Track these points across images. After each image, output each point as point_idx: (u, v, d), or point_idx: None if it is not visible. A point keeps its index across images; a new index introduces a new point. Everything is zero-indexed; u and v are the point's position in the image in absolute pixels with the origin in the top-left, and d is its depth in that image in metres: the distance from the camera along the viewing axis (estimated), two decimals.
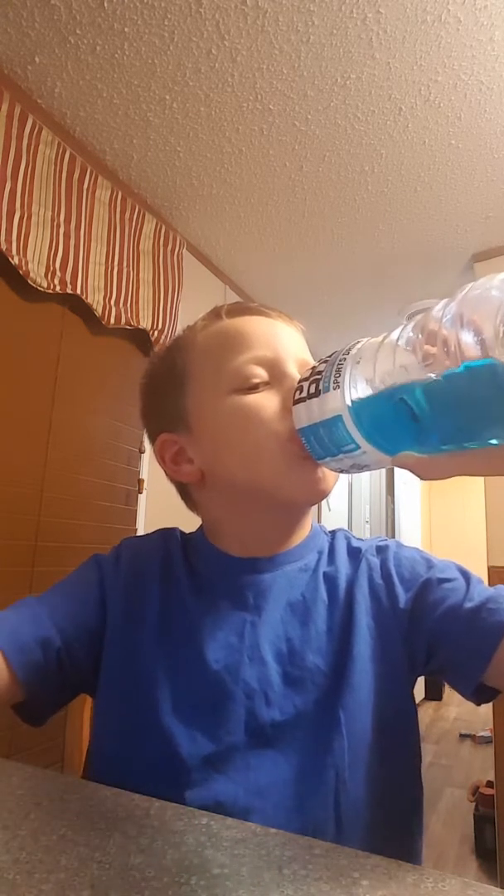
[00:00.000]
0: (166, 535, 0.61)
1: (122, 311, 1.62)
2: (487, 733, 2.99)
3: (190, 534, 0.61)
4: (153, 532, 0.62)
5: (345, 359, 0.41)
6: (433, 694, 4.01)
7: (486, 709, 3.42)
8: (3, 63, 1.32)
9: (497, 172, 1.67)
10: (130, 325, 1.66)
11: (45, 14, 1.19)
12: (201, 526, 0.60)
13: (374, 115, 1.47)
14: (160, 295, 1.79)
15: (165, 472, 0.57)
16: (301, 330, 0.57)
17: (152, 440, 0.58)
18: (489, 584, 0.51)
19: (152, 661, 0.50)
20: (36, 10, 1.18)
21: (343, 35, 1.24)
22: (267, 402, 0.49)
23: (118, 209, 1.66)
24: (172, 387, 0.55)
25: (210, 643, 0.50)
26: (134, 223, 1.72)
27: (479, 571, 0.55)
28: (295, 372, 0.50)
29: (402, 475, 4.23)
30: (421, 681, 3.96)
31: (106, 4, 1.17)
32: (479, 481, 2.07)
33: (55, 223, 1.42)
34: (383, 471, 4.10)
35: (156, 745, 0.47)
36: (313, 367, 0.45)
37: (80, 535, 1.51)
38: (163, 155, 1.62)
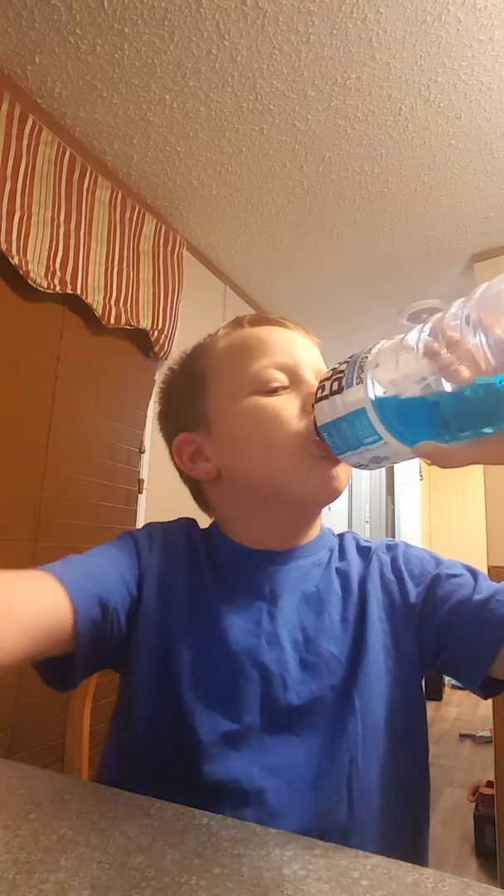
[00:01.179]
0: (189, 523, 0.62)
1: (122, 311, 1.62)
2: (487, 733, 2.99)
3: (205, 528, 0.62)
4: (177, 519, 0.63)
5: (366, 357, 0.43)
6: (433, 694, 4.01)
7: (486, 709, 3.41)
8: (3, 63, 1.32)
9: (497, 172, 1.67)
10: (130, 325, 1.66)
11: (45, 14, 1.19)
12: (214, 522, 0.61)
13: (374, 115, 1.47)
14: (160, 295, 1.79)
15: (181, 470, 0.60)
16: (317, 343, 0.60)
17: (169, 440, 0.60)
18: None
19: (178, 639, 0.52)
20: (36, 10, 1.18)
21: (343, 35, 1.24)
22: (286, 405, 0.51)
23: (118, 209, 1.66)
24: (193, 389, 0.58)
25: (230, 627, 0.51)
26: (134, 223, 1.72)
27: None
28: (312, 378, 0.53)
29: (402, 475, 4.23)
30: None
31: (106, 4, 1.17)
32: (479, 482, 2.08)
33: (55, 223, 1.42)
34: (383, 471, 4.10)
35: (175, 720, 0.48)
36: (334, 368, 0.47)
37: (80, 535, 1.50)
38: (163, 155, 1.62)
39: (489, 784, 1.96)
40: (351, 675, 0.50)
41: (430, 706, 3.89)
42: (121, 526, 1.65)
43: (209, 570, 0.56)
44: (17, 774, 0.43)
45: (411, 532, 4.41)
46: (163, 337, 1.78)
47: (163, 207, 1.84)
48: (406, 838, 0.50)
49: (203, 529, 0.62)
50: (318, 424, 0.47)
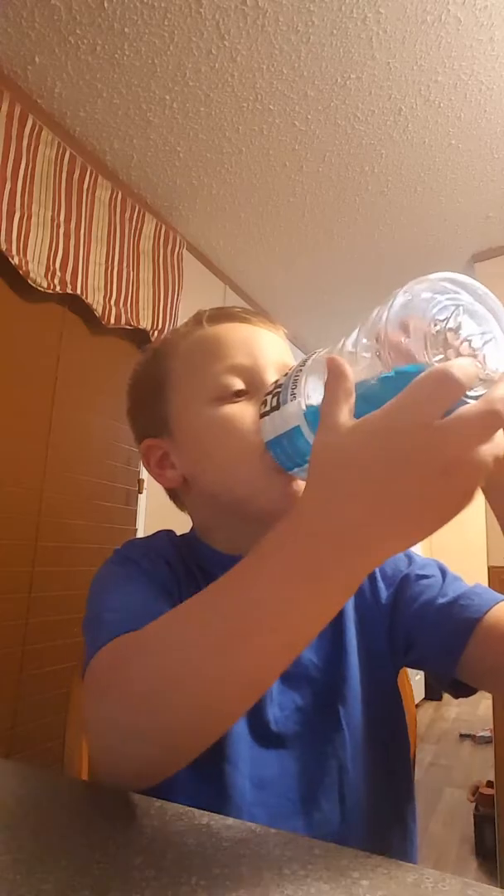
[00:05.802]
0: (170, 536, 0.61)
1: (122, 311, 1.62)
2: (487, 733, 2.99)
3: (183, 535, 0.61)
4: (156, 533, 0.62)
5: (301, 370, 0.42)
6: (433, 694, 4.01)
7: (486, 709, 3.41)
8: (3, 63, 1.32)
9: (497, 172, 1.67)
10: (130, 325, 1.66)
11: (45, 14, 1.19)
12: (193, 527, 0.60)
13: (374, 115, 1.47)
14: (160, 295, 1.79)
15: (151, 475, 0.58)
16: (284, 334, 0.58)
17: (138, 444, 0.59)
18: (489, 585, 0.52)
19: None
20: (36, 10, 1.19)
21: (343, 35, 1.24)
22: (244, 413, 0.49)
23: (118, 209, 1.66)
24: (155, 393, 0.56)
25: None
26: (134, 223, 1.72)
27: (480, 571, 0.56)
28: (273, 379, 0.50)
29: None
30: (421, 681, 3.96)
31: (106, 4, 1.17)
32: None
33: (55, 223, 1.42)
34: None
35: None
36: (276, 381, 0.46)
37: (80, 535, 1.51)
38: (163, 155, 1.62)
39: (489, 784, 1.96)
40: (332, 683, 0.50)
41: (430, 706, 3.89)
42: (121, 526, 1.65)
43: (195, 580, 0.55)
44: (17, 774, 0.43)
45: None
46: (162, 337, 1.78)
47: (163, 207, 1.85)
48: (396, 834, 0.50)
49: (183, 537, 0.61)
50: (264, 440, 0.45)
